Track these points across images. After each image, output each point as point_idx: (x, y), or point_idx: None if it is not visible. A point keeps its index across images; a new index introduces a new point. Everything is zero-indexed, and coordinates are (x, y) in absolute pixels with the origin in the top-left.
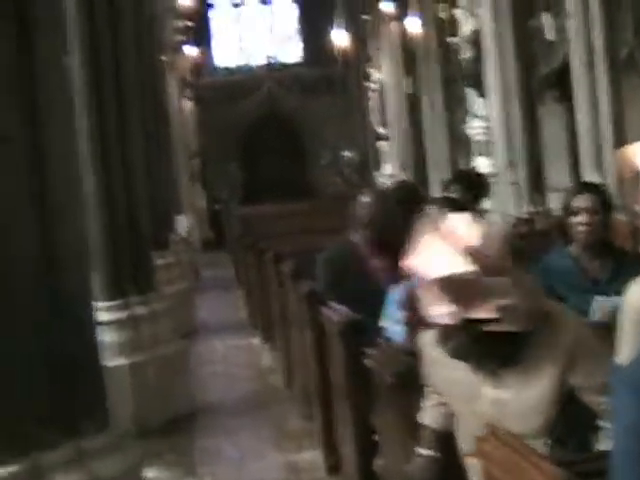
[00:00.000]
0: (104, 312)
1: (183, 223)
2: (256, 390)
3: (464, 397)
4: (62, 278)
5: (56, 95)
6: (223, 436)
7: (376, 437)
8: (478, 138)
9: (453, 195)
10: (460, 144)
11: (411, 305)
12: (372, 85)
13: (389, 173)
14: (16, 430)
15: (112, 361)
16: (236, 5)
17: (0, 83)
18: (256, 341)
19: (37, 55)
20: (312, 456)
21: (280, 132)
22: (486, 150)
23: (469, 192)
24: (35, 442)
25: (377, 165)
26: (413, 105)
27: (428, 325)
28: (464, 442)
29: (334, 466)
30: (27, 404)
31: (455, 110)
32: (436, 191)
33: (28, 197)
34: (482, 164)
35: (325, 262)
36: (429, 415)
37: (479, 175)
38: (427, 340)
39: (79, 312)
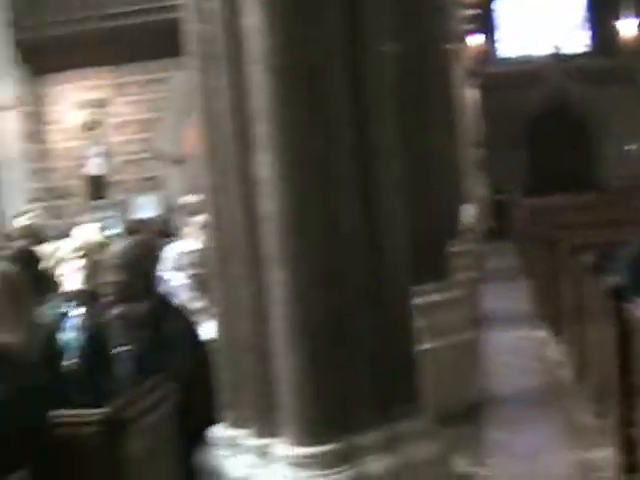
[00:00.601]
0: None
1: (469, 212)
2: (544, 383)
3: None
4: (385, 261)
5: (380, 85)
6: (511, 428)
7: None
8: None
9: None
10: None
11: None
12: None
13: None
14: (337, 412)
15: None
16: None
17: (333, 69)
18: (542, 333)
19: (364, 40)
20: (605, 455)
21: (565, 123)
22: None
23: None
24: (353, 424)
25: None
26: None
27: None
28: None
29: (631, 466)
30: (350, 387)
31: None
32: None
33: (353, 183)
34: None
35: (629, 257)
36: None
37: None
38: None
39: (399, 296)
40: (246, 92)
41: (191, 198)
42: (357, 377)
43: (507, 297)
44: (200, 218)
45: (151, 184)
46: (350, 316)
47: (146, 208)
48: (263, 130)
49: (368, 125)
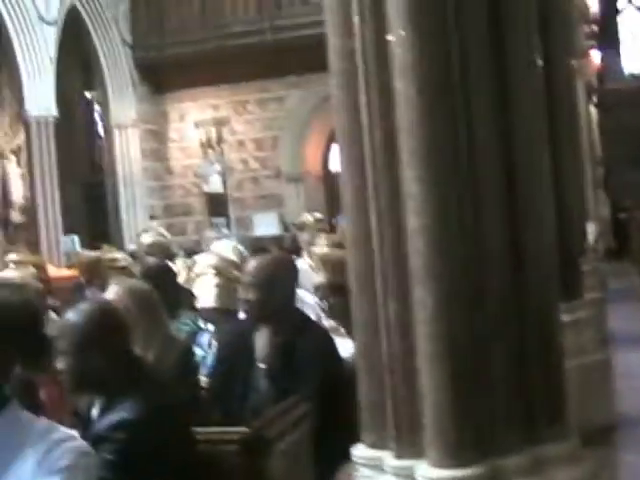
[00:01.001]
0: None
1: (591, 231)
2: None
3: None
4: (533, 278)
5: (527, 97)
6: None
7: None
8: None
9: None
10: None
11: None
12: None
13: None
14: (481, 433)
15: None
16: None
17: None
18: None
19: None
20: None
21: None
22: None
23: None
24: (497, 446)
25: None
26: None
27: None
28: None
29: None
30: (494, 407)
31: None
32: None
33: (500, 198)
34: None
35: None
36: None
37: None
38: None
39: (546, 313)
40: (390, 107)
41: (308, 216)
42: (502, 397)
43: (630, 318)
44: (320, 239)
45: (269, 202)
46: (496, 334)
47: (265, 225)
48: (407, 145)
49: (516, 140)
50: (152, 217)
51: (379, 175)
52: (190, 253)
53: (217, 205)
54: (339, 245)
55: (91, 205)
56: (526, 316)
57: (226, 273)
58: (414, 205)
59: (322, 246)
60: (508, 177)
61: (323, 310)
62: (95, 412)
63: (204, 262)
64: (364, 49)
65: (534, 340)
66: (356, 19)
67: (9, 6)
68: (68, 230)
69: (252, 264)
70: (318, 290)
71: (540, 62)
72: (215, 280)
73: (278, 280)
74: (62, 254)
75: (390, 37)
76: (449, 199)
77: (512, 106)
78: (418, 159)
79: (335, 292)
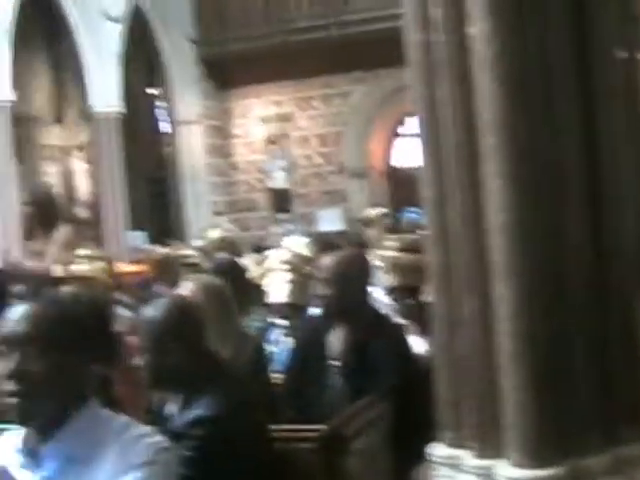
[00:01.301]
0: None
1: None
2: None
3: None
4: (611, 276)
5: (612, 89)
6: None
7: None
8: None
9: None
10: None
11: None
12: None
13: None
14: (563, 433)
15: None
16: None
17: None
18: None
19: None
20: None
21: None
22: None
23: None
24: (578, 446)
25: None
26: None
27: None
28: None
29: None
30: (577, 406)
31: None
32: None
33: (580, 188)
34: None
35: None
36: None
37: None
38: None
39: (625, 311)
40: (473, 101)
41: (373, 211)
42: (583, 396)
43: None
44: (389, 241)
45: (333, 197)
46: (577, 332)
47: (329, 221)
48: (491, 140)
49: (598, 135)
50: (217, 213)
51: (460, 170)
52: (255, 249)
53: (281, 201)
54: (409, 248)
55: (155, 201)
56: (607, 314)
57: (299, 269)
58: (495, 201)
59: (392, 249)
60: (590, 172)
61: (394, 310)
62: (169, 409)
63: (277, 258)
64: (445, 42)
65: (615, 339)
66: (436, 12)
67: (73, 2)
68: (133, 226)
69: (327, 260)
70: (391, 292)
71: (623, 54)
72: (289, 276)
73: (353, 276)
74: (129, 250)
75: (471, 30)
76: (533, 194)
77: (595, 99)
78: (499, 154)
79: (406, 294)
